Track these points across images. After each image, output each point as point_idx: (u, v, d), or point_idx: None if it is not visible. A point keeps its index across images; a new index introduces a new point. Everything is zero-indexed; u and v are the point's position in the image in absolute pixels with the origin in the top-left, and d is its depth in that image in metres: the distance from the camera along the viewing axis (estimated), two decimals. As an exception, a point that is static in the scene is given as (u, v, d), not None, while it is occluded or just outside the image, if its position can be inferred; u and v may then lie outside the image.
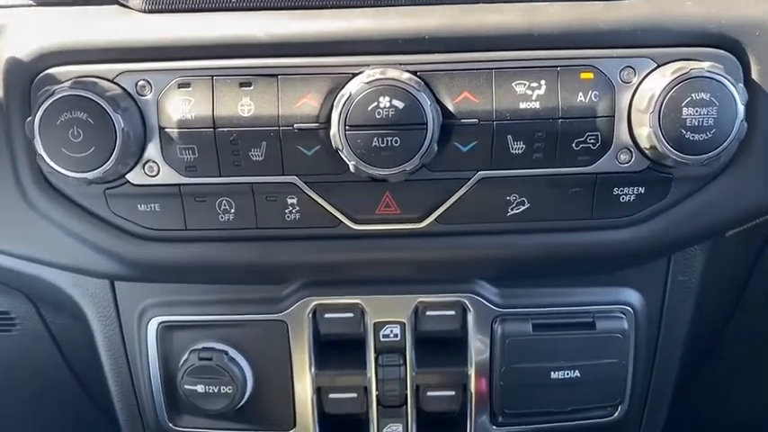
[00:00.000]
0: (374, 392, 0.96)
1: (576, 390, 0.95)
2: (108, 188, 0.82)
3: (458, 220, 0.83)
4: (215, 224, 0.84)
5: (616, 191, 0.82)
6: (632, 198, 0.83)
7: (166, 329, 0.95)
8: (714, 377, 1.17)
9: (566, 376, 0.94)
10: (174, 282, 0.94)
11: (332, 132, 0.76)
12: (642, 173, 0.81)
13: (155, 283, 0.95)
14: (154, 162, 0.81)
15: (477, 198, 0.82)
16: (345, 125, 0.74)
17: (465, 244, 0.85)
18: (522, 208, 0.83)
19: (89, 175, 0.76)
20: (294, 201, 0.82)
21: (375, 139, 0.75)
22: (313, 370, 0.96)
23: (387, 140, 0.75)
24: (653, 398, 1.02)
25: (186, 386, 0.94)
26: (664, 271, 0.96)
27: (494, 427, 0.98)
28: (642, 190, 0.82)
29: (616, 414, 1.00)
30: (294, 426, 0.99)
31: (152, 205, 0.83)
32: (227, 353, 0.95)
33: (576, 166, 0.80)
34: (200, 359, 0.94)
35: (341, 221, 0.84)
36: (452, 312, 0.94)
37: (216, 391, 0.94)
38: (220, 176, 0.80)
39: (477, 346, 0.94)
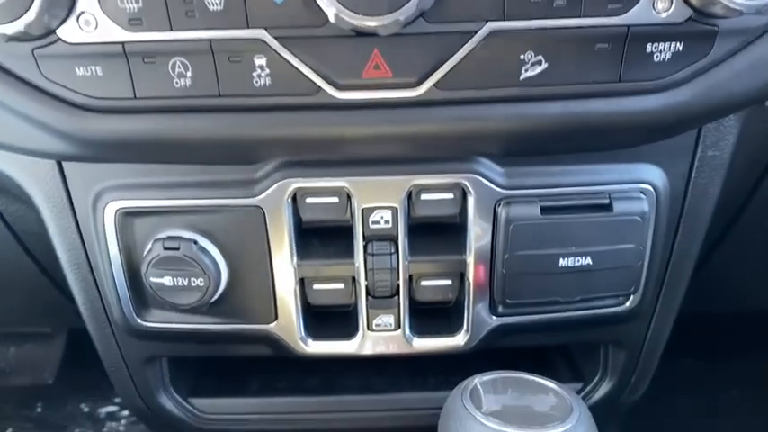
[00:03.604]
0: (363, 283, 0.87)
1: (586, 278, 0.85)
2: (37, 47, 0.68)
3: (461, 86, 0.70)
4: (169, 91, 0.70)
5: (650, 47, 0.69)
6: (668, 57, 0.70)
7: (125, 216, 0.84)
8: (726, 260, 1.09)
9: (576, 263, 0.84)
10: (128, 162, 0.81)
11: None
12: (682, 25, 0.67)
13: (109, 164, 0.82)
14: (90, 14, 0.66)
15: (484, 57, 0.69)
16: (323, -42, 0.60)
17: (469, 114, 0.72)
18: (539, 69, 0.70)
19: (8, 29, 0.62)
20: (263, 62, 0.68)
21: (361, -22, 0.60)
22: (295, 260, 0.85)
23: (375, -21, 0.60)
24: (669, 285, 0.93)
25: (152, 279, 0.84)
26: (692, 145, 0.85)
27: (493, 318, 0.90)
28: (680, 47, 0.69)
29: (628, 303, 0.91)
30: (276, 319, 0.90)
31: (92, 68, 0.69)
32: (195, 242, 0.83)
33: (604, 16, 0.67)
34: (166, 249, 0.83)
35: (320, 88, 0.70)
36: (450, 195, 0.82)
37: (186, 284, 0.84)
38: (171, 30, 0.66)
39: (478, 233, 0.84)
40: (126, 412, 1.98)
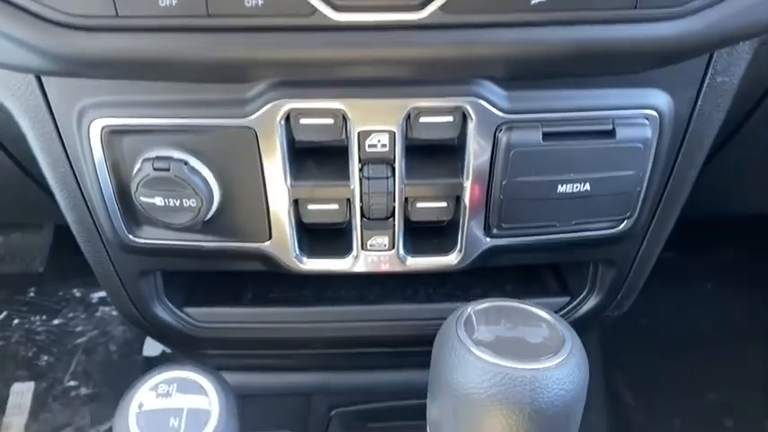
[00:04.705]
0: (358, 205, 0.86)
1: (583, 204, 0.85)
2: (4, -42, 0.62)
3: (468, 9, 0.66)
4: (154, 10, 0.65)
5: None
6: None
7: (112, 134, 0.80)
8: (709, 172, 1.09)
9: (574, 190, 0.83)
10: (112, 78, 0.77)
11: None
12: None
13: (92, 80, 0.78)
14: None
15: None
16: None
17: (475, 39, 0.68)
18: (551, -7, 0.65)
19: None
20: None
21: None
22: (288, 181, 0.83)
23: None
24: (663, 209, 0.93)
25: (143, 198, 0.82)
26: (701, 70, 0.81)
27: (487, 239, 0.90)
28: None
29: (621, 226, 0.91)
30: (270, 238, 0.89)
31: None
32: (186, 162, 0.81)
33: None
34: (156, 170, 0.80)
35: (316, 9, 0.65)
36: (450, 119, 0.80)
37: (177, 204, 0.82)
38: None
39: (477, 157, 0.82)
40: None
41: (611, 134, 0.81)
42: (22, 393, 1.97)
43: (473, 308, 0.74)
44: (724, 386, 1.91)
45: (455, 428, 0.71)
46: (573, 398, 0.66)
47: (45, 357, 2.05)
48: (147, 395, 0.82)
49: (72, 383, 1.98)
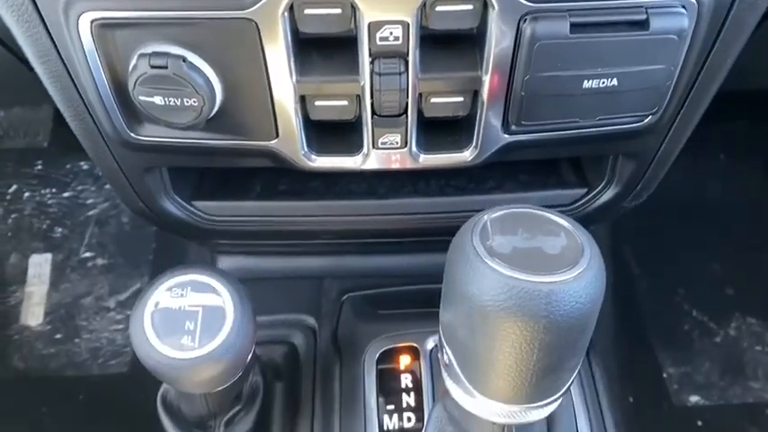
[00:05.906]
0: (368, 101, 0.81)
1: (609, 99, 0.80)
2: None
3: None
4: None
5: None
6: None
7: (103, 28, 0.74)
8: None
9: (600, 85, 0.77)
10: None
11: None
12: None
13: None
14: None
15: None
16: None
17: None
18: None
19: None
20: None
21: None
22: (294, 77, 0.78)
23: None
24: (691, 102, 0.87)
25: (141, 97, 0.77)
26: None
27: (505, 136, 0.86)
28: None
29: (646, 120, 0.86)
30: (277, 135, 0.85)
31: None
32: (185, 59, 0.75)
33: None
34: (153, 67, 0.75)
35: None
36: (470, 6, 0.73)
37: (178, 104, 0.77)
38: None
39: (497, 50, 0.75)
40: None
41: (643, 25, 0.74)
42: (40, 264, 2.02)
43: (489, 216, 0.71)
44: (728, 256, 1.94)
45: (470, 334, 0.71)
46: (589, 309, 0.65)
47: (59, 229, 2.08)
48: (163, 295, 0.83)
49: (88, 254, 2.03)
